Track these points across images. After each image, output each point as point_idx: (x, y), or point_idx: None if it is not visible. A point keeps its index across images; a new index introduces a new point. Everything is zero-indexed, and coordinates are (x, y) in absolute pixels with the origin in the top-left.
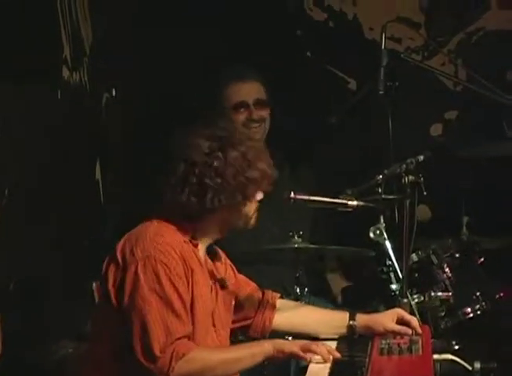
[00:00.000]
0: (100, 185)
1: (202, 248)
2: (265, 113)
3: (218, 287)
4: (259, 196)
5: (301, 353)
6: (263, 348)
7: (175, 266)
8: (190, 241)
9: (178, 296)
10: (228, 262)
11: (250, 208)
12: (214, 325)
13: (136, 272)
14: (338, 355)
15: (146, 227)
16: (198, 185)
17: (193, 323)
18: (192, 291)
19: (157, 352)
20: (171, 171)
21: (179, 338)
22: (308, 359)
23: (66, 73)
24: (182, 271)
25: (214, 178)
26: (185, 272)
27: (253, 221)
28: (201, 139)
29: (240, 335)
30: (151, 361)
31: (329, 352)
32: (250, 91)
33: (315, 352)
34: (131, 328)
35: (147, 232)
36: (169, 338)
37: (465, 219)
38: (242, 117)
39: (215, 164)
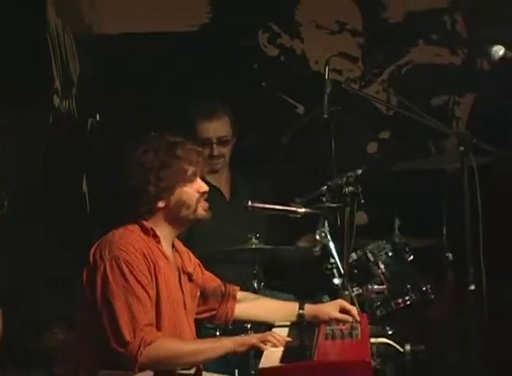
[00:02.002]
0: (87, 196)
1: (166, 244)
2: (225, 149)
3: (187, 278)
4: (202, 188)
5: (260, 345)
6: (223, 344)
7: (137, 263)
8: (153, 239)
9: (142, 288)
10: (197, 260)
11: (190, 198)
12: (185, 309)
13: (105, 271)
14: (290, 340)
15: (113, 233)
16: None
17: (162, 311)
18: (157, 281)
19: (128, 338)
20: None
21: (146, 325)
22: (266, 350)
23: (56, 101)
24: (145, 266)
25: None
26: (147, 266)
27: (202, 212)
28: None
29: (207, 323)
30: (123, 346)
31: (283, 340)
32: (214, 130)
33: (271, 342)
34: (103, 320)
35: (113, 237)
36: (137, 325)
37: (397, 223)
38: (206, 152)
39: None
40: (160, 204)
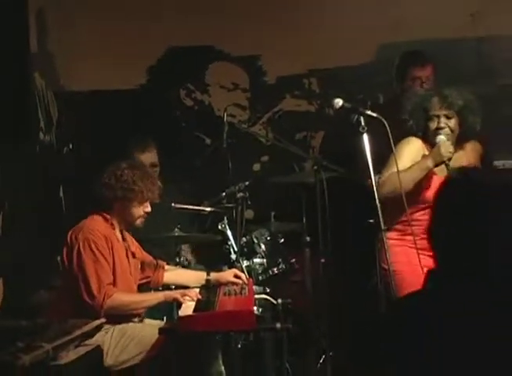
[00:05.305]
0: (63, 200)
1: (117, 231)
2: (155, 169)
3: (131, 255)
4: (147, 208)
5: (180, 298)
6: (157, 296)
7: (102, 243)
8: (110, 226)
9: (105, 260)
10: (137, 243)
11: (137, 212)
12: (131, 276)
13: (79, 249)
14: (200, 297)
15: (84, 222)
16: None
17: (116, 276)
18: (113, 256)
19: (95, 292)
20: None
21: (108, 284)
22: (184, 303)
23: (42, 136)
24: (106, 245)
25: (120, 183)
26: (107, 245)
27: (139, 222)
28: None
29: (144, 286)
30: (91, 299)
31: (196, 295)
32: (146, 159)
33: (189, 296)
34: (78, 282)
35: (84, 223)
36: (101, 283)
37: (272, 217)
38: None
39: (123, 177)
40: (120, 207)
